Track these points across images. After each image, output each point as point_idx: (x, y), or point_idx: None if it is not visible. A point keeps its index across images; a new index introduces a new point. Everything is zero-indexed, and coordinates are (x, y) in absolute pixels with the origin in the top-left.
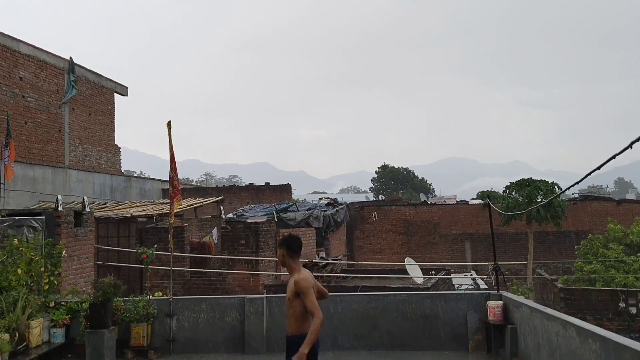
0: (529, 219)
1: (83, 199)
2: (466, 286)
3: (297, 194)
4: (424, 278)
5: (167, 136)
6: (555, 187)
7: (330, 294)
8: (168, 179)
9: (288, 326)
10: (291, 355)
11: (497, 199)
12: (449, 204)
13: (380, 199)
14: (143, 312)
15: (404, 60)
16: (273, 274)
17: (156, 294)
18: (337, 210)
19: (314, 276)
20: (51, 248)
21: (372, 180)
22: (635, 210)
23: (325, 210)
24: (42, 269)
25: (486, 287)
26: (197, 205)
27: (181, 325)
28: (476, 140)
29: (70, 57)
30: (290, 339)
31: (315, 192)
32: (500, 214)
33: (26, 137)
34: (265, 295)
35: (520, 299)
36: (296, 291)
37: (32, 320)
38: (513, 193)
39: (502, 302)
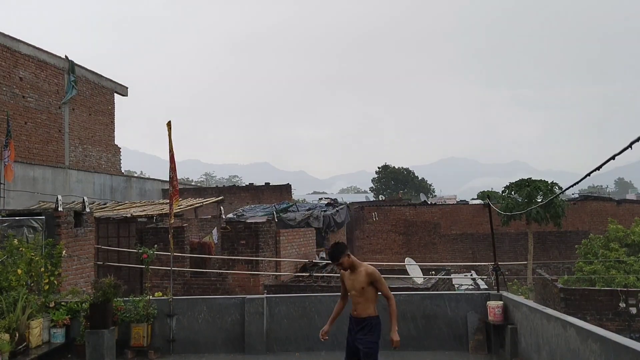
0: (528, 219)
1: (83, 199)
2: (466, 286)
3: (297, 194)
4: (424, 278)
5: (167, 136)
6: (555, 187)
7: (330, 294)
8: (168, 179)
9: (361, 310)
10: (366, 332)
11: (497, 199)
12: (449, 204)
13: (380, 199)
14: (143, 312)
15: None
16: (273, 274)
17: (156, 294)
18: (337, 211)
19: (314, 276)
20: (51, 248)
21: (372, 180)
22: (636, 210)
23: (325, 211)
24: (42, 269)
25: (486, 287)
26: (197, 205)
27: (181, 325)
28: (476, 140)
29: (71, 61)
30: (367, 320)
31: (315, 192)
32: (500, 215)
33: (26, 137)
34: (265, 295)
35: (521, 299)
36: (371, 280)
37: (32, 320)
38: (513, 193)
39: (502, 302)
